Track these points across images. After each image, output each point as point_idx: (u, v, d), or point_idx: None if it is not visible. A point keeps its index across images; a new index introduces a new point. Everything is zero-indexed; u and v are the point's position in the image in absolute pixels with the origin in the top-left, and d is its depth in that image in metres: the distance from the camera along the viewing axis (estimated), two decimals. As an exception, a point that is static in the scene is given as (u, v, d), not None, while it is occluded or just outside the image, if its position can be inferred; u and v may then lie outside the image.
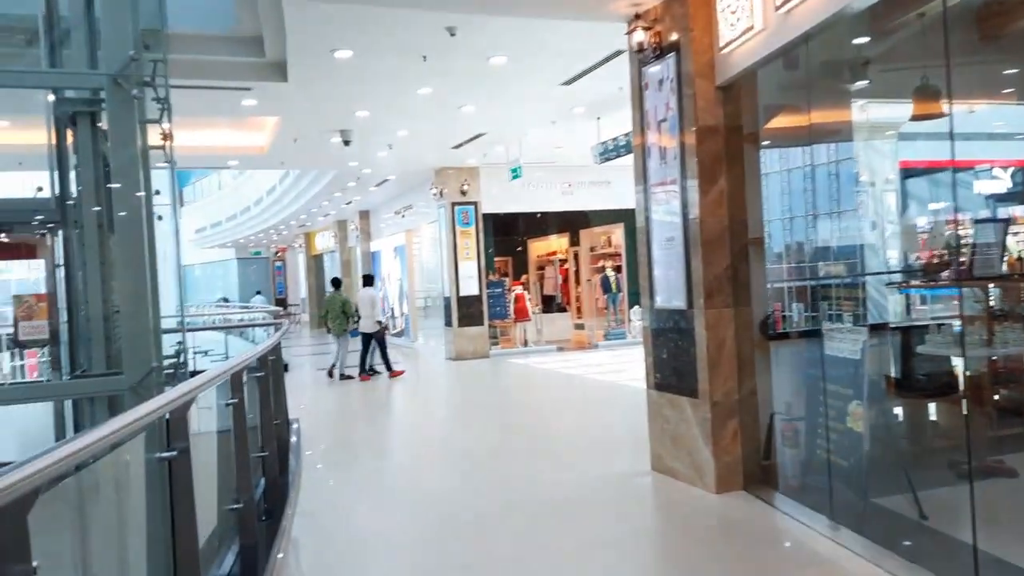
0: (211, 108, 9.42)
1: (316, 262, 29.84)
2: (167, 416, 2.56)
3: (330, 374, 13.21)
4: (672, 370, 5.68)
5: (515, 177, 12.75)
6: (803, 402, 5.24)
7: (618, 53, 8.05)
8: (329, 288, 15.68)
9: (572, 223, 19.46)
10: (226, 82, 8.28)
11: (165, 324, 7.43)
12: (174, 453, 2.69)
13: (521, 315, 15.97)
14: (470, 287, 15.05)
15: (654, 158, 5.74)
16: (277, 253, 36.10)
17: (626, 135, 10.36)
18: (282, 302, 30.81)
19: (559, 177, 15.85)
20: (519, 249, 21.19)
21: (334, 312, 13.09)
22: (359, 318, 12.67)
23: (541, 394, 10.75)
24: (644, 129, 5.86)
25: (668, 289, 5.68)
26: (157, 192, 7.24)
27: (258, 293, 32.08)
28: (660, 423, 5.88)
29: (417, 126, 10.94)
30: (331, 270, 26.96)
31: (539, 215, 17.45)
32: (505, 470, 6.47)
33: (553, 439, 7.63)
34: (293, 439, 7.73)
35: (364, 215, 22.38)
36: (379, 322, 12.66)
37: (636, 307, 16.60)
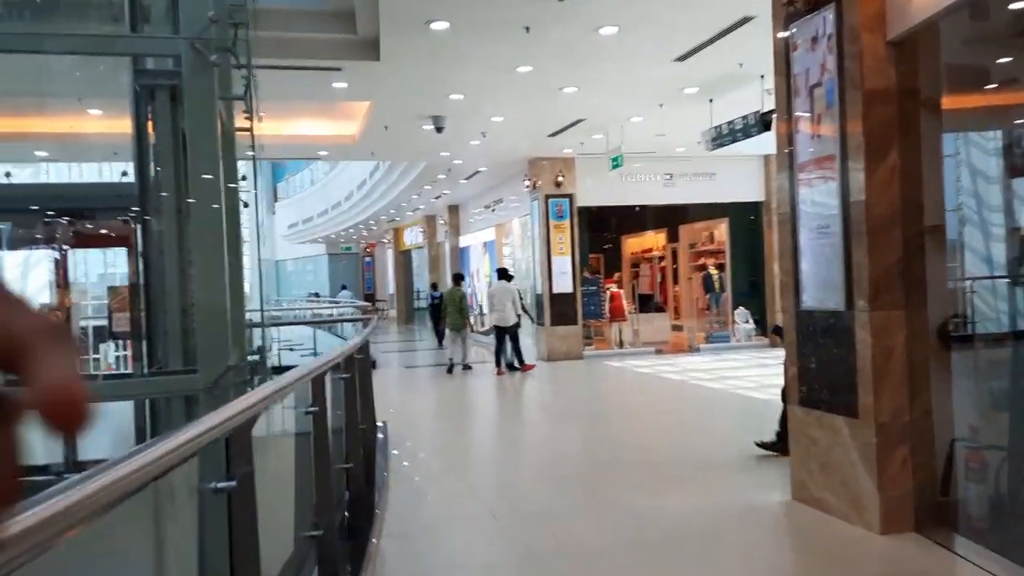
0: (301, 91, 8.99)
1: (404, 258, 29.69)
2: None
3: (450, 370, 13.06)
4: (824, 383, 4.78)
5: (615, 167, 11.93)
6: (996, 425, 4.27)
7: (745, 20, 7.15)
8: (420, 287, 15.27)
9: (670, 218, 18.43)
10: (316, 61, 7.79)
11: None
12: (233, 484, 2.08)
13: (617, 315, 15.12)
14: (564, 284, 14.30)
15: (804, 132, 4.85)
16: (366, 249, 36.26)
17: (743, 117, 9.41)
18: (371, 298, 30.78)
19: (659, 168, 14.91)
20: (609, 246, 20.26)
21: (454, 307, 13.02)
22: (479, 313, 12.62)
23: (645, 401, 9.90)
24: (791, 98, 4.97)
25: (820, 287, 4.79)
26: (243, 178, 6.77)
27: (344, 288, 32.23)
28: (805, 445, 4.98)
29: (513, 111, 10.27)
30: (419, 266, 26.71)
31: (637, 209, 16.54)
32: (617, 493, 5.69)
33: (667, 455, 6.80)
34: (380, 441, 7.18)
35: (453, 210, 21.93)
36: (518, 316, 12.49)
37: (741, 308, 15.52)
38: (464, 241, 21.57)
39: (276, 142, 11.85)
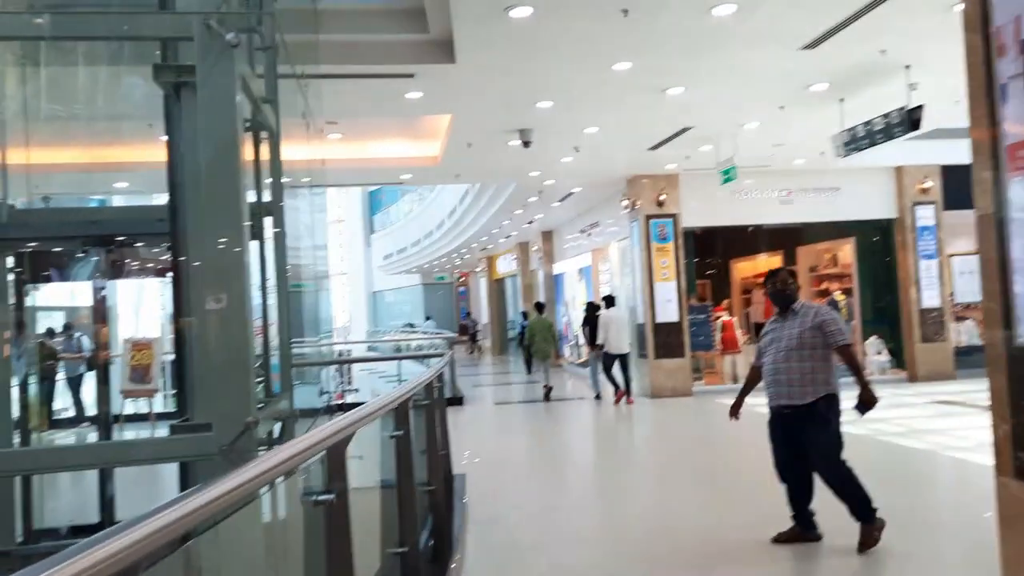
0: (372, 106, 8.17)
1: (498, 287, 28.86)
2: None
3: (547, 398, 13.14)
4: (1060, 456, 3.36)
5: (726, 180, 10.58)
6: None
7: (896, -12, 5.81)
8: (515, 316, 14.46)
9: (786, 239, 16.75)
10: (384, 67, 6.91)
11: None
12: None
13: (730, 346, 13.61)
14: (668, 312, 12.95)
15: (1016, 106, 3.50)
16: (460, 278, 35.71)
17: (884, 116, 7.94)
18: (465, 330, 29.92)
19: (775, 184, 13.42)
20: (711, 272, 18.59)
21: (541, 335, 13.36)
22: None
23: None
24: (992, 60, 3.64)
25: (1049, 318, 3.39)
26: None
27: (428, 319, 31.68)
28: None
29: (609, 120, 9.15)
30: (512, 295, 25.79)
31: (750, 229, 15.01)
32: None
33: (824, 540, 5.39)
34: (456, 494, 6.12)
35: (547, 235, 20.91)
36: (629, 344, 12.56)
37: (873, 338, 13.73)
38: (558, 268, 20.48)
39: (354, 166, 11.15)
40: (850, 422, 4.91)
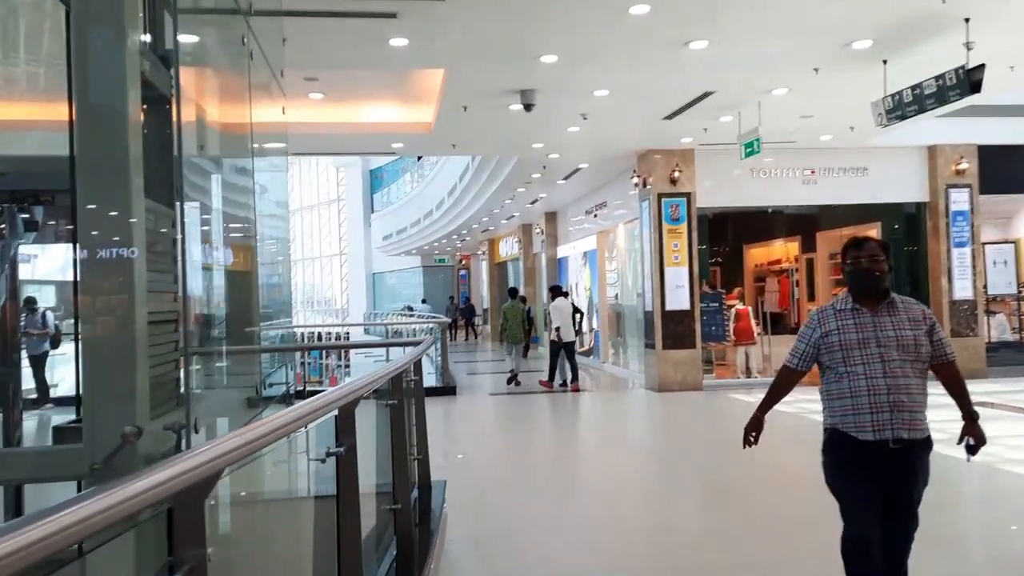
0: (352, 52, 7.14)
1: (499, 270, 27.89)
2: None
3: (510, 382, 13.02)
4: None
5: (749, 154, 9.56)
6: None
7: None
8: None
9: (804, 223, 15.77)
10: (362, 3, 5.91)
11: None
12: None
13: (743, 336, 12.64)
14: (679, 300, 11.97)
15: None
16: (461, 261, 34.74)
17: (937, 78, 6.91)
18: (467, 312, 28.87)
19: (797, 162, 12.39)
20: (716, 260, 17.48)
21: (515, 321, 13.25)
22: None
23: (805, 462, 7.47)
24: None
25: None
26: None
27: (424, 302, 30.72)
28: None
29: (622, 80, 8.13)
30: (514, 279, 24.83)
31: (769, 211, 14.02)
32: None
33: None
34: (435, 510, 5.19)
35: (550, 217, 19.90)
36: (577, 332, 12.95)
37: (897, 331, 12.70)
38: (562, 251, 19.49)
39: (340, 131, 10.16)
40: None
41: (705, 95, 8.73)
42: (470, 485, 6.28)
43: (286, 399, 5.48)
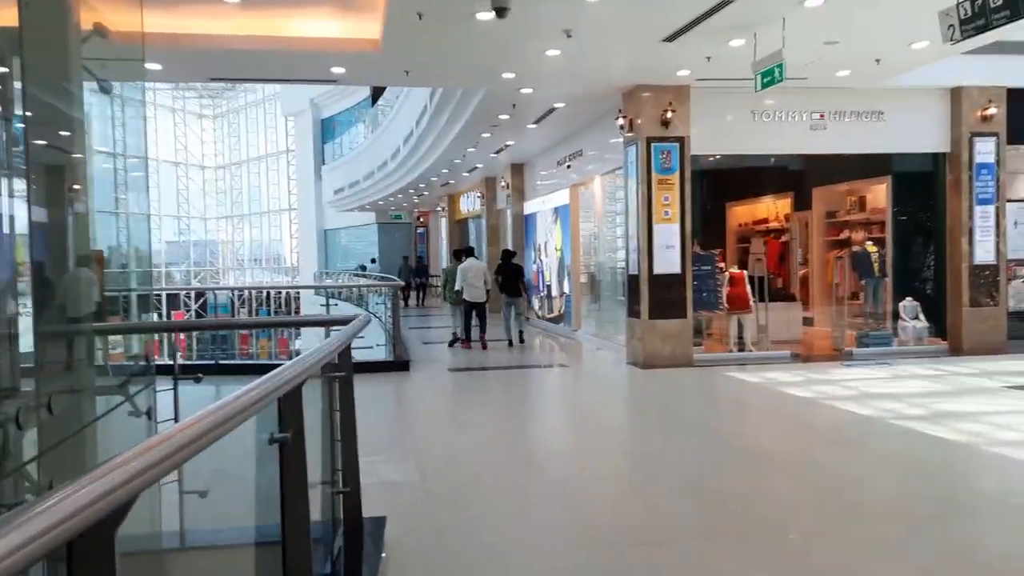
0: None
1: (460, 228, 26.01)
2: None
3: (452, 344, 13.09)
4: None
5: (767, 84, 7.85)
6: None
7: None
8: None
9: (798, 178, 14.21)
10: None
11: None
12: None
13: (738, 304, 11.09)
14: (669, 262, 10.34)
15: None
16: (419, 218, 32.71)
17: (1041, -28, 5.24)
18: (420, 272, 26.83)
19: (805, 104, 10.76)
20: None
21: (453, 282, 13.17)
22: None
23: (852, 465, 5.83)
24: None
25: None
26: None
27: (373, 261, 28.79)
28: None
29: (621, -20, 6.32)
30: (476, 237, 23.01)
31: (772, 160, 12.40)
32: None
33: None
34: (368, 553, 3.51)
35: (517, 169, 18.06)
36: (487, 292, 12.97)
37: (908, 299, 11.34)
38: (530, 207, 17.71)
39: (265, 47, 8.18)
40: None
41: (721, 5, 6.96)
42: (421, 515, 4.57)
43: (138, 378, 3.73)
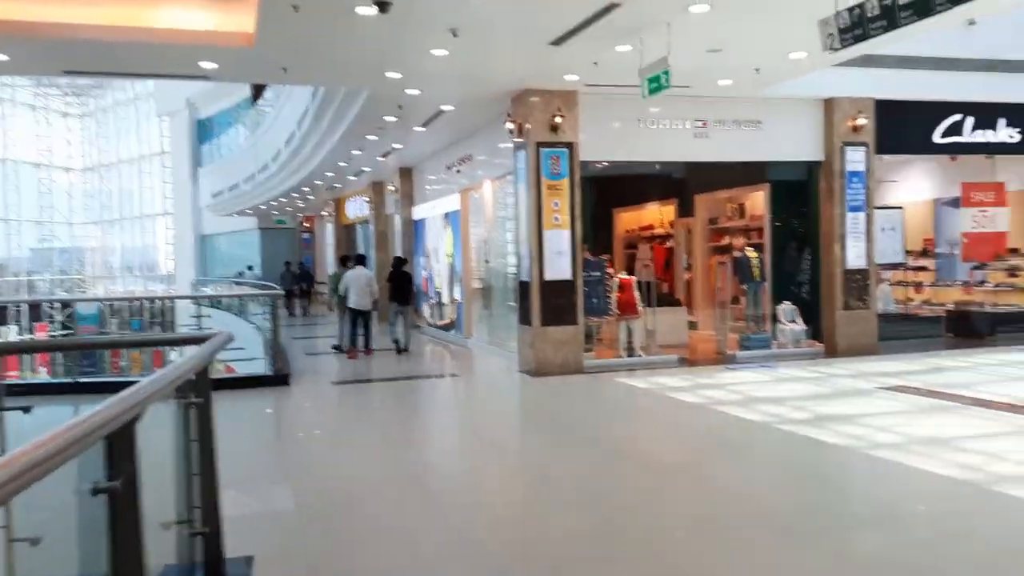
0: None
1: (348, 233, 25.25)
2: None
3: (336, 348, 13.07)
4: None
5: (654, 91, 7.84)
6: None
7: None
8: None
9: (682, 186, 14.51)
10: None
11: None
12: None
13: (628, 309, 11.13)
14: (560, 268, 10.25)
15: None
16: (304, 223, 31.60)
17: (912, -14, 5.38)
18: (302, 279, 25.56)
19: (688, 112, 10.91)
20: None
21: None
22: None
23: (745, 475, 5.81)
24: None
25: None
26: None
27: (250, 268, 27.64)
28: None
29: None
30: (365, 243, 22.39)
31: (657, 167, 12.55)
32: None
33: None
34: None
35: (406, 173, 17.65)
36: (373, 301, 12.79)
37: (786, 303, 11.71)
38: (420, 212, 17.33)
39: (119, 37, 7.51)
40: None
41: (609, 8, 6.88)
42: (294, 552, 4.17)
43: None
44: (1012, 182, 12.85)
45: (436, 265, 16.28)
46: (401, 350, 12.70)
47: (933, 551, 4.02)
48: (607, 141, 10.66)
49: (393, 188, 18.40)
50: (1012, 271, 13.16)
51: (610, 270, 11.45)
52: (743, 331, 11.83)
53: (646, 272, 14.01)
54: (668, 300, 14.13)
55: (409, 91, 9.94)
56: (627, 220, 17.20)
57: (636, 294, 11.22)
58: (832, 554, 4.01)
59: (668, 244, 15.65)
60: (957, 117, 11.71)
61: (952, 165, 13.26)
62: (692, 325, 13.35)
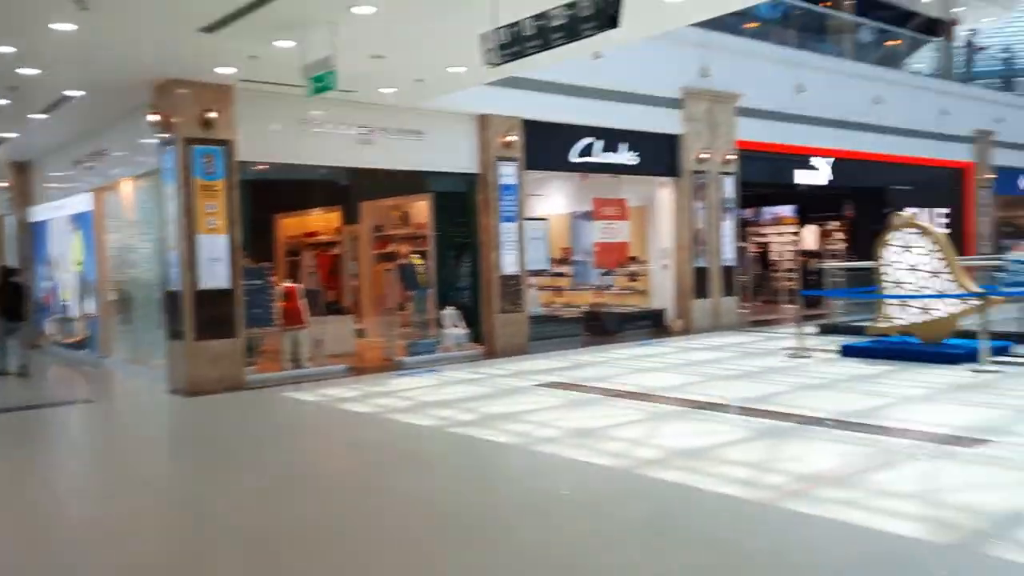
0: None
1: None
2: None
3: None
4: None
5: (319, 91, 7.54)
6: None
7: None
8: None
9: (349, 191, 14.34)
10: None
11: None
12: None
13: (293, 319, 10.64)
14: (216, 276, 9.43)
15: None
16: None
17: (569, 6, 5.80)
18: None
19: (352, 118, 10.76)
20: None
21: None
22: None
23: (423, 483, 5.72)
24: None
25: None
26: None
27: None
28: None
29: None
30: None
31: (322, 172, 12.16)
32: None
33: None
34: None
35: (21, 168, 15.02)
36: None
37: (449, 308, 12.14)
38: (40, 213, 14.85)
39: None
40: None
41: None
42: None
43: None
44: (632, 199, 14.77)
45: (63, 275, 14.07)
46: (17, 375, 10.75)
47: (585, 538, 4.32)
48: (268, 142, 10.08)
49: (6, 185, 15.55)
50: (632, 276, 15.18)
51: (273, 278, 10.86)
52: (410, 337, 12.01)
53: (312, 280, 13.56)
54: (335, 308, 13.86)
55: (24, 71, 8.39)
56: (290, 226, 16.58)
57: (301, 303, 10.78)
58: (488, 544, 4.11)
59: (334, 251, 15.37)
60: (589, 140, 13.15)
61: (585, 182, 14.86)
62: (360, 333, 13.25)
